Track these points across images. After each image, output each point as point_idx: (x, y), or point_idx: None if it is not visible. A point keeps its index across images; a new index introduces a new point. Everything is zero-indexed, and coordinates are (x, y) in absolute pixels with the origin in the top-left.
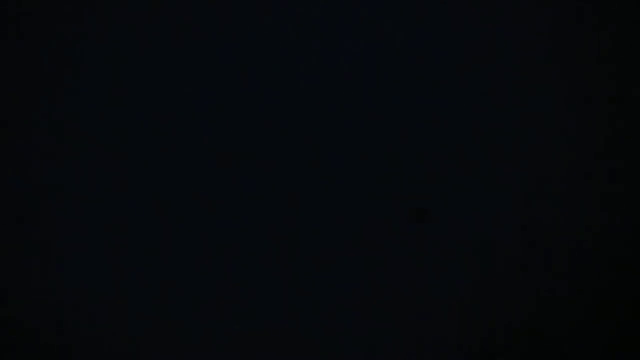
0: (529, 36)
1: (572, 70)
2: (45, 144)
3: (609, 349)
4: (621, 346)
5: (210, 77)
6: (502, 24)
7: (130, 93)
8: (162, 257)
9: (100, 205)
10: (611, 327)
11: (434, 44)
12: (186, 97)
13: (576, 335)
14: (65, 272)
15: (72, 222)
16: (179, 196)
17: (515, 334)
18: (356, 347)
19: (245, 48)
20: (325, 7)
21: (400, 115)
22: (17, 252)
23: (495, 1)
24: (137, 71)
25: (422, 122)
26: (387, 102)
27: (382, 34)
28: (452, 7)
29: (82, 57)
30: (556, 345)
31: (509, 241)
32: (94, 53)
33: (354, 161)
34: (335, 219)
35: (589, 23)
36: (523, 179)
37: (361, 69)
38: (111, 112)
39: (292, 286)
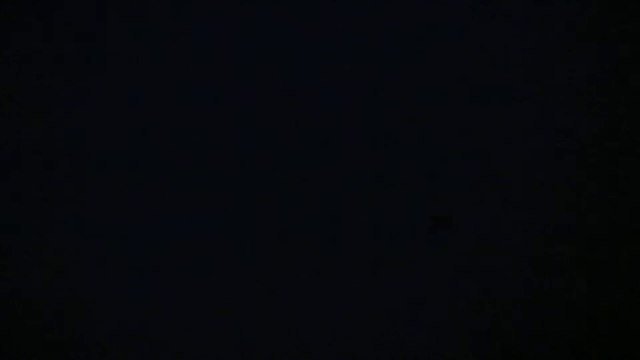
0: (539, 39)
1: (574, 70)
2: (46, 144)
3: (626, 349)
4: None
5: (212, 78)
6: (512, 28)
7: (130, 93)
8: (162, 257)
9: (99, 205)
10: (631, 328)
11: (443, 50)
12: (187, 97)
13: (590, 338)
14: (65, 272)
15: (72, 222)
16: (183, 196)
17: (528, 337)
18: (364, 352)
19: (247, 49)
20: (328, 9)
21: (406, 120)
22: (17, 252)
23: (496, 2)
24: (137, 71)
25: (426, 125)
26: (392, 106)
27: (395, 38)
28: (466, 13)
29: (82, 58)
30: (568, 348)
31: (518, 245)
32: (95, 54)
33: (359, 164)
34: (341, 223)
35: (588, 23)
36: (529, 182)
37: (373, 76)
38: (111, 112)
39: (296, 289)
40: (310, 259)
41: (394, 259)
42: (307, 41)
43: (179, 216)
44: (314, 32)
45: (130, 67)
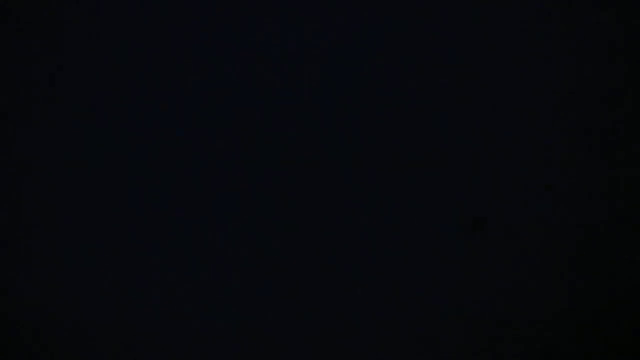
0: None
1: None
2: (45, 145)
3: None
4: None
5: (212, 79)
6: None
7: (130, 95)
8: (164, 257)
9: (99, 206)
10: None
11: (476, 53)
12: (192, 100)
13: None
14: (64, 272)
15: (71, 222)
16: (182, 196)
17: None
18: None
19: (253, 50)
20: (330, 9)
21: (439, 119)
22: (16, 253)
23: (500, 2)
24: (137, 74)
25: (448, 125)
26: (420, 106)
27: (417, 36)
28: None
29: (82, 59)
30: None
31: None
32: (95, 55)
33: (390, 165)
34: (375, 226)
35: (589, 23)
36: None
37: (404, 77)
38: (111, 114)
39: (316, 289)
40: (333, 258)
41: (422, 260)
42: (316, 40)
43: (176, 216)
44: (318, 31)
45: (129, 67)
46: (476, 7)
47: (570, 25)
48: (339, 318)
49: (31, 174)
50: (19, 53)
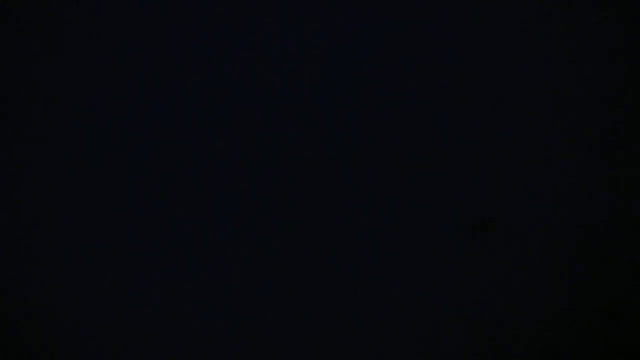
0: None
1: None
2: (45, 145)
3: None
4: None
5: (212, 79)
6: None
7: (130, 95)
8: (164, 257)
9: (99, 206)
10: None
11: (484, 54)
12: (192, 100)
13: None
14: (64, 272)
15: (71, 222)
16: (181, 196)
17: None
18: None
19: (255, 50)
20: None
21: (444, 119)
22: (16, 253)
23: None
24: (137, 74)
25: (459, 125)
26: (428, 106)
27: (432, 41)
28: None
29: (82, 59)
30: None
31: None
32: (95, 55)
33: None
34: (378, 226)
35: (589, 23)
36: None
37: (413, 77)
38: (111, 114)
39: (315, 290)
40: (333, 258)
41: (422, 260)
42: (316, 40)
43: (176, 216)
44: (318, 31)
45: (129, 67)
46: (476, 7)
47: (570, 25)
48: (339, 318)
49: (31, 174)
50: (19, 53)
